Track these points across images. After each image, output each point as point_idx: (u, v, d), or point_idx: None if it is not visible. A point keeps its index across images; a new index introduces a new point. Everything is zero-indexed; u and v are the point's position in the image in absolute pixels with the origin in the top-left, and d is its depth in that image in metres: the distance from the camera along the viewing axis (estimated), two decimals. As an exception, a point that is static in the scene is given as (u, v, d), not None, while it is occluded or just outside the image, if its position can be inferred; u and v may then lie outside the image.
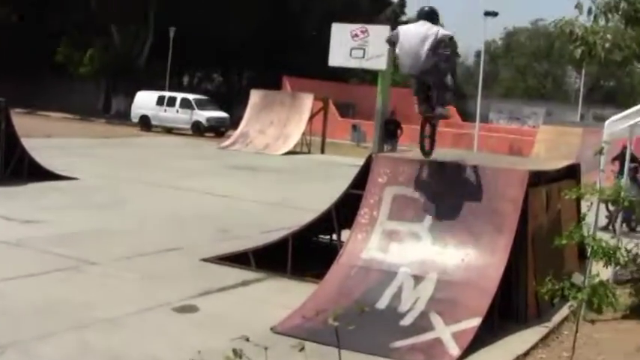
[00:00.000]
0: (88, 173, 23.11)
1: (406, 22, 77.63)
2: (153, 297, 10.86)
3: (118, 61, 59.88)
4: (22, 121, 24.88)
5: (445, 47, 10.83)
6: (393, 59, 12.05)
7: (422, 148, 11.68)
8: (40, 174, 21.03)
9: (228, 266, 12.84)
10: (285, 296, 11.28)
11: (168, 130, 48.25)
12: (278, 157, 35.86)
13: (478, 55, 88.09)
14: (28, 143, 21.96)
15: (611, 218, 17.81)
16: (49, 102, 57.73)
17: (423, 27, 10.92)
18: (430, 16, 11.00)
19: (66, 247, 13.40)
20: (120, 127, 49.89)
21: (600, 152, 10.46)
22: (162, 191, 21.57)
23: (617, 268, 11.74)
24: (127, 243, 14.27)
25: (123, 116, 55.43)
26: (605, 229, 17.29)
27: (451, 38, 11.00)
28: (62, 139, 35.86)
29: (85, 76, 60.44)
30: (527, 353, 9.70)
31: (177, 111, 48.14)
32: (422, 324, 9.71)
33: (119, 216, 17.07)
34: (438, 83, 11.22)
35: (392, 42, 11.16)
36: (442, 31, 10.90)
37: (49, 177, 21.18)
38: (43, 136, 33.42)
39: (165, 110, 48.38)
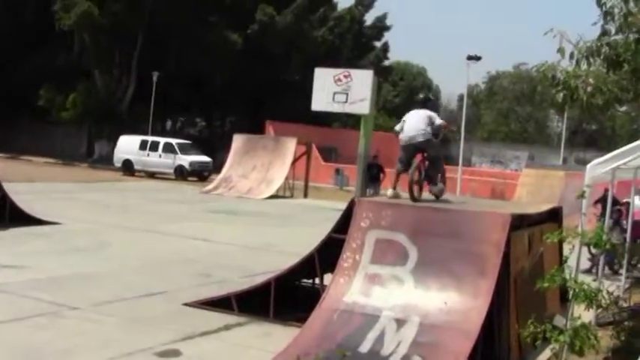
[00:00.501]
0: (70, 218, 23.03)
1: (389, 67, 78.41)
2: (134, 342, 10.77)
3: (101, 105, 59.92)
4: (4, 166, 24.93)
5: (435, 127, 13.06)
6: (396, 132, 13.10)
7: (411, 194, 12.46)
8: (22, 219, 20.91)
9: (210, 310, 12.77)
10: (268, 340, 11.25)
11: (151, 175, 48.24)
12: (261, 202, 35.88)
13: (461, 99, 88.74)
14: (10, 188, 21.90)
15: (594, 261, 17.86)
16: (32, 146, 57.84)
17: (423, 111, 13.29)
18: (425, 103, 12.56)
19: (46, 292, 13.30)
20: (103, 171, 49.87)
21: (582, 196, 10.51)
22: (145, 236, 21.50)
23: (599, 310, 11.74)
24: (108, 287, 14.18)
25: (106, 161, 55.41)
26: (588, 272, 17.37)
27: (445, 126, 13.50)
28: (45, 183, 35.82)
29: (67, 121, 60.36)
30: (510, 397, 9.67)
31: (160, 155, 48.15)
32: (405, 368, 9.66)
33: (101, 260, 16.99)
34: (432, 158, 13.43)
35: (401, 127, 13.18)
36: (437, 119, 13.22)
37: (31, 222, 21.08)
38: (25, 180, 33.36)
39: (148, 155, 48.40)
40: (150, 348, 10.51)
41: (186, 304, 13.12)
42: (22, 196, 22.77)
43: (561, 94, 17.37)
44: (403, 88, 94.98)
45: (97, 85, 61.29)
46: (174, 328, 11.63)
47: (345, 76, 33.28)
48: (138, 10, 57.80)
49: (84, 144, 64.30)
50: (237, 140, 42.40)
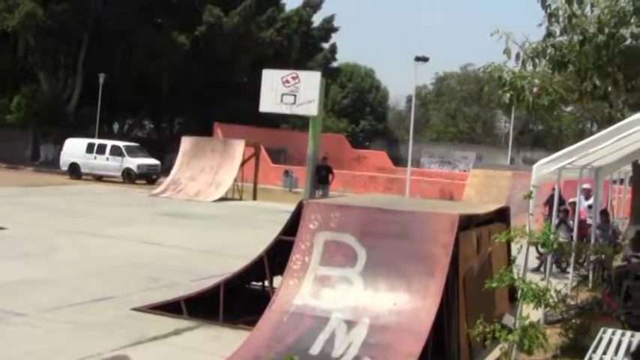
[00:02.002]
0: (15, 222, 22.74)
1: (337, 68, 78.50)
2: (83, 348, 10.67)
3: (47, 108, 59.23)
4: (-53, 170, 24.48)
5: None
6: None
7: None
8: (-35, 224, 20.66)
9: (160, 315, 12.70)
10: (218, 344, 11.22)
11: (99, 178, 47.82)
12: (210, 204, 35.72)
13: (409, 100, 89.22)
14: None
15: (542, 260, 18.03)
16: (-25, 150, 56.99)
17: None
18: None
19: (-8, 299, 13.14)
20: (49, 175, 49.30)
21: (529, 196, 10.61)
22: (92, 240, 21.30)
23: (547, 309, 11.86)
24: (55, 293, 14.03)
25: (52, 164, 54.82)
26: (536, 270, 17.53)
27: None
28: (-11, 187, 35.38)
29: (12, 124, 59.63)
30: (460, 396, 9.72)
31: (108, 158, 47.74)
32: (355, 369, 9.69)
33: (48, 266, 16.79)
34: None
35: None
36: None
37: (-25, 227, 20.83)
38: (-31, 185, 32.93)
39: (95, 158, 47.95)
40: (99, 354, 10.43)
41: (135, 309, 13.02)
42: (-34, 200, 22.47)
43: (508, 95, 17.63)
44: (351, 90, 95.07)
45: (42, 87, 60.61)
46: (124, 333, 11.54)
47: (293, 78, 33.34)
48: (83, 11, 57.30)
49: (29, 147, 63.48)
50: (186, 142, 42.17)
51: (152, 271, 16.78)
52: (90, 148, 48.34)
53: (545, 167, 11.27)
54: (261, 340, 10.32)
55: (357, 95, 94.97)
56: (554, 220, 14.56)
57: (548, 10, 16.77)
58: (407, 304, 10.38)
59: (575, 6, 16.51)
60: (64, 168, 48.86)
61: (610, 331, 10.76)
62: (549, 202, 19.16)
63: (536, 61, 17.41)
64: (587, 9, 16.79)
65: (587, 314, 12.21)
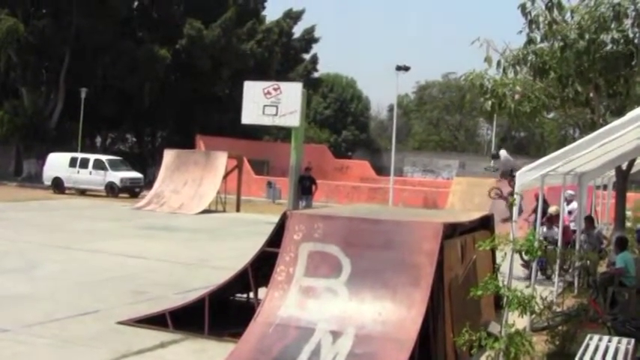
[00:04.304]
0: (-2, 238, 22.65)
1: (319, 79, 78.60)
2: (68, 363, 10.61)
3: (29, 123, 59.08)
4: None
5: None
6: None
7: None
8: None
9: (145, 328, 12.62)
10: (204, 356, 11.20)
11: (82, 192, 47.71)
12: (193, 217, 35.66)
13: (391, 109, 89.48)
14: None
15: (528, 267, 18.02)
16: (-42, 166, 56.81)
17: None
18: None
19: (-25, 315, 13.06)
20: (32, 190, 49.12)
21: (512, 204, 10.60)
22: (76, 254, 21.20)
23: (533, 316, 11.86)
24: (39, 308, 13.93)
25: (35, 179, 54.65)
26: (527, 279, 17.47)
27: None
28: (-29, 203, 35.22)
29: (-6, 139, 59.51)
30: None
31: (91, 172, 47.63)
32: (342, 380, 9.65)
33: (30, 280, 16.70)
34: None
35: None
36: None
37: (-42, 243, 20.71)
38: (-49, 201, 32.77)
39: (78, 172, 47.84)
40: (84, 369, 10.38)
41: (120, 323, 12.94)
42: (-52, 217, 22.34)
43: (490, 102, 17.64)
44: (333, 100, 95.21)
45: (24, 102, 60.43)
46: (109, 347, 11.47)
47: (275, 89, 33.35)
48: (64, 26, 57.27)
49: (12, 163, 63.28)
50: (168, 155, 42.10)
51: (136, 285, 16.70)
52: (73, 163, 48.25)
53: (529, 174, 11.26)
54: (247, 352, 10.28)
55: (338, 105, 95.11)
56: (538, 226, 14.58)
57: (529, 17, 16.81)
58: (392, 314, 10.35)
59: (556, 12, 16.56)
60: (48, 183, 48.71)
61: (597, 337, 10.76)
62: (535, 210, 19.20)
63: (518, 68, 17.47)
64: (568, 15, 16.84)
65: (574, 321, 12.21)
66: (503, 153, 23.20)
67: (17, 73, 59.32)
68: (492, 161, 24.40)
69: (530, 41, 17.14)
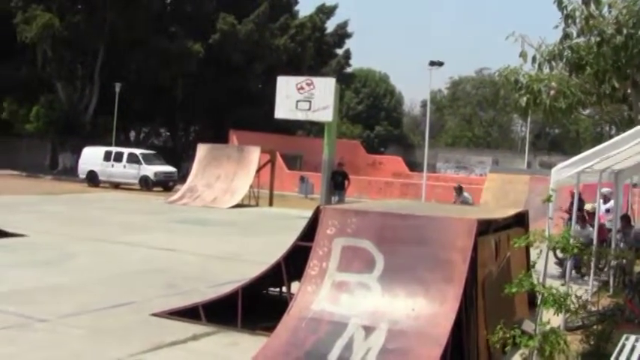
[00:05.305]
0: (35, 230, 22.82)
1: (351, 74, 78.63)
2: (102, 353, 10.68)
3: (64, 117, 59.58)
4: (-34, 179, 24.57)
5: None
6: None
7: None
8: (-14, 231, 20.71)
9: (178, 321, 12.66)
10: (236, 350, 11.19)
11: (116, 186, 48.03)
12: (226, 211, 35.72)
13: (424, 104, 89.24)
14: (-27, 201, 21.72)
15: (562, 265, 17.88)
16: (-5, 159, 57.36)
17: None
18: None
19: (12, 305, 13.15)
20: (67, 183, 49.51)
21: (548, 200, 10.49)
22: (110, 247, 21.32)
23: (568, 315, 11.75)
24: (74, 299, 14.03)
25: (70, 172, 55.08)
26: (561, 277, 17.34)
27: None
28: (9, 196, 35.51)
29: (31, 133, 60.01)
30: (480, 402, 9.64)
31: (125, 166, 47.95)
32: (374, 375, 9.62)
33: (66, 272, 16.83)
34: None
35: None
36: None
37: (-4, 234, 20.87)
38: (-12, 193, 33.10)
39: (112, 165, 48.19)
40: (118, 359, 10.41)
41: (153, 315, 13.00)
42: (-14, 209, 22.54)
43: (524, 99, 17.43)
44: (366, 95, 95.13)
45: (59, 97, 60.89)
46: (142, 338, 11.51)
47: (308, 84, 33.37)
48: (99, 21, 57.59)
49: (48, 156, 63.85)
50: (201, 150, 42.23)
51: (169, 278, 16.76)
52: (107, 156, 48.62)
53: (564, 171, 11.16)
54: (280, 346, 10.28)
55: (371, 101, 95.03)
56: (574, 224, 14.46)
57: (565, 12, 16.60)
58: (425, 310, 10.30)
59: (593, 7, 16.35)
60: (82, 176, 49.13)
61: (633, 337, 10.62)
62: (571, 207, 19.01)
63: (553, 63, 17.25)
64: (605, 10, 16.61)
65: (609, 321, 12.08)
66: None
67: (52, 67, 59.75)
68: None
69: (567, 36, 16.92)
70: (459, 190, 25.46)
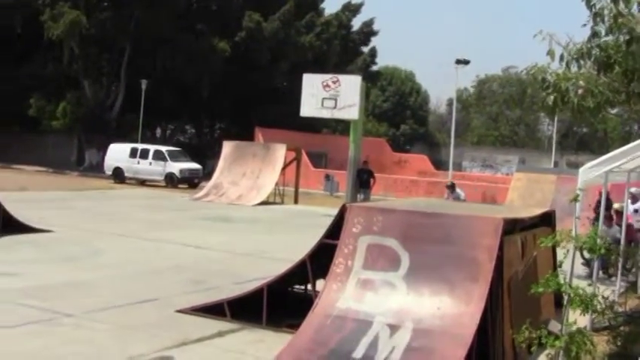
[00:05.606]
0: (62, 225, 22.98)
1: (377, 72, 78.65)
2: (128, 349, 10.69)
3: (91, 113, 59.96)
4: (-6, 175, 24.73)
5: None
6: None
7: None
8: (14, 226, 20.81)
9: (203, 317, 12.69)
10: (261, 347, 11.19)
11: (142, 182, 48.23)
12: (251, 208, 35.78)
13: (450, 103, 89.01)
14: (2, 196, 21.86)
15: (589, 265, 17.78)
16: (23, 155, 57.79)
17: None
18: None
19: (40, 300, 13.24)
20: (93, 179, 49.79)
21: (576, 199, 10.43)
22: (136, 243, 21.40)
23: (595, 315, 11.68)
24: (100, 294, 14.10)
25: (96, 169, 55.43)
26: (588, 277, 17.23)
27: None
28: (36, 192, 35.76)
29: (57, 130, 60.35)
30: (505, 402, 9.60)
31: (151, 163, 48.15)
32: (399, 374, 9.60)
33: (93, 268, 16.91)
34: None
35: None
36: None
37: (23, 229, 21.00)
38: (17, 189, 33.37)
39: (138, 162, 48.40)
40: (143, 355, 10.44)
41: (178, 311, 13.03)
42: (14, 204, 22.66)
43: (552, 97, 17.30)
44: (392, 93, 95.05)
45: (86, 93, 61.28)
46: (168, 334, 11.55)
47: (334, 82, 33.34)
48: (125, 18, 57.86)
49: (74, 152, 64.28)
50: (227, 147, 42.29)
51: (194, 274, 16.81)
52: (133, 153, 48.85)
53: (592, 171, 11.10)
54: (304, 343, 10.27)
55: (397, 99, 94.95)
56: (601, 224, 14.35)
57: (593, 10, 16.44)
58: (450, 309, 10.26)
59: (622, 5, 16.19)
60: (108, 172, 49.42)
61: (661, 339, 10.56)
62: (598, 207, 18.92)
63: (581, 62, 17.08)
64: (634, 8, 16.48)
65: (637, 322, 12.00)
66: None
67: (79, 65, 60.16)
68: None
69: (595, 34, 16.76)
70: (452, 187, 25.73)
